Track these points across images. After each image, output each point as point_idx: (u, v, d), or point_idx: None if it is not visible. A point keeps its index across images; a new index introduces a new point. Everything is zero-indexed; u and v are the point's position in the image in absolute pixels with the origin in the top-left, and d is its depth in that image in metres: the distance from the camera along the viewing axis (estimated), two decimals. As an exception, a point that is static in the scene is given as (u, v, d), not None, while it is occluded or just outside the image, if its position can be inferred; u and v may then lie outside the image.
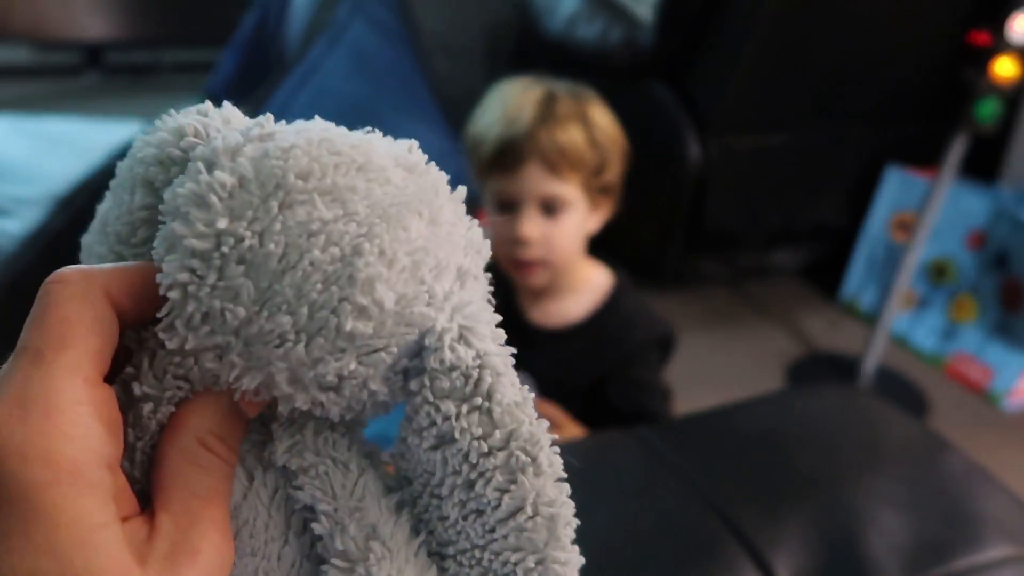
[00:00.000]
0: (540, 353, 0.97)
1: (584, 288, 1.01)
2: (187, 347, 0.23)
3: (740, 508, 0.57)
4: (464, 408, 0.23)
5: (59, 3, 3.07)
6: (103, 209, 0.27)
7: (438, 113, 2.44)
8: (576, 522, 0.24)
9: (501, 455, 0.23)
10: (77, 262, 0.29)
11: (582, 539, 0.65)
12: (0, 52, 3.18)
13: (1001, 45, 1.34)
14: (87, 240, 0.28)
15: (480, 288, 0.26)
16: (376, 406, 0.25)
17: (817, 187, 1.98)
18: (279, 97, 2.38)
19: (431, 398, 0.23)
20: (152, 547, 0.22)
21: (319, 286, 0.22)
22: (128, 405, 0.24)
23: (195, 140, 0.25)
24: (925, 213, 1.56)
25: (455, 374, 0.23)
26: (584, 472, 0.67)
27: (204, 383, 0.24)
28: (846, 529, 0.56)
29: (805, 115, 1.84)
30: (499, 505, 0.23)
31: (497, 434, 0.23)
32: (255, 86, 2.49)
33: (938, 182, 1.52)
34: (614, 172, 0.96)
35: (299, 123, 0.25)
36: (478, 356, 0.23)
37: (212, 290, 0.22)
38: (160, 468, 0.24)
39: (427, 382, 0.23)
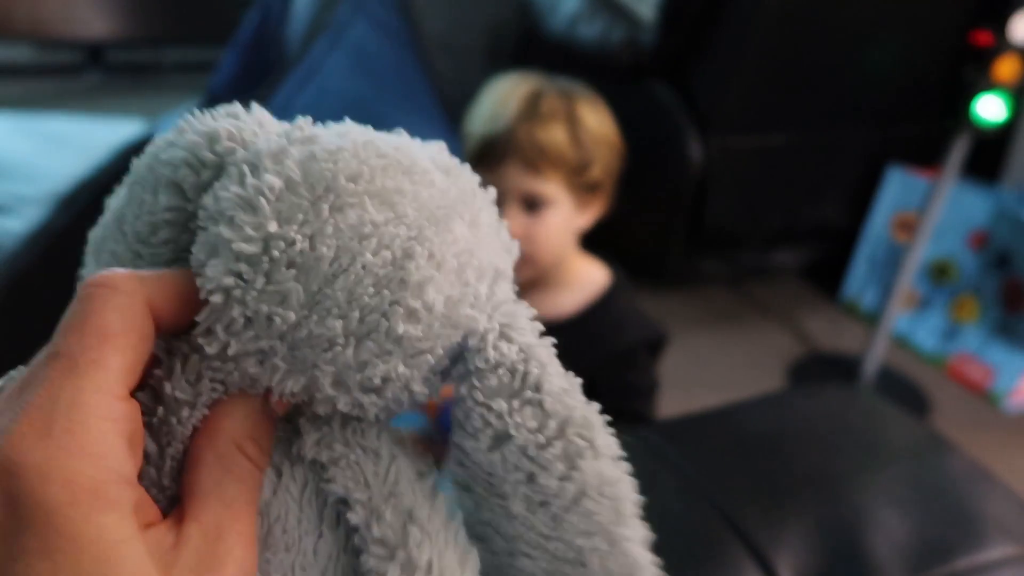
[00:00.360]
0: None
1: (576, 284, 1.00)
2: (229, 352, 0.22)
3: (742, 508, 0.57)
4: (515, 403, 0.23)
5: (60, 2, 3.08)
6: (116, 206, 0.27)
7: (440, 113, 2.44)
8: (639, 498, 0.24)
9: (559, 444, 0.23)
10: (80, 261, 0.29)
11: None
12: (1, 51, 3.18)
13: (1003, 45, 1.34)
14: (96, 235, 0.27)
15: (510, 287, 0.26)
16: (412, 406, 0.25)
17: (818, 187, 1.98)
18: (280, 96, 2.38)
19: (481, 399, 0.23)
20: (178, 557, 0.22)
21: (371, 289, 0.22)
22: (157, 409, 0.23)
23: (231, 144, 0.24)
24: (927, 213, 1.55)
25: (501, 371, 0.23)
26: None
27: (241, 385, 0.23)
28: (848, 529, 0.56)
29: (806, 115, 1.84)
30: (562, 492, 0.23)
31: (552, 424, 0.23)
32: (256, 85, 2.49)
33: (940, 182, 1.52)
34: (600, 171, 0.95)
35: (337, 126, 0.25)
36: (522, 350, 0.23)
37: (259, 294, 0.22)
38: (193, 473, 0.23)
39: (476, 383, 0.23)
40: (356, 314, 0.22)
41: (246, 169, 0.23)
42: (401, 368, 0.23)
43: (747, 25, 1.61)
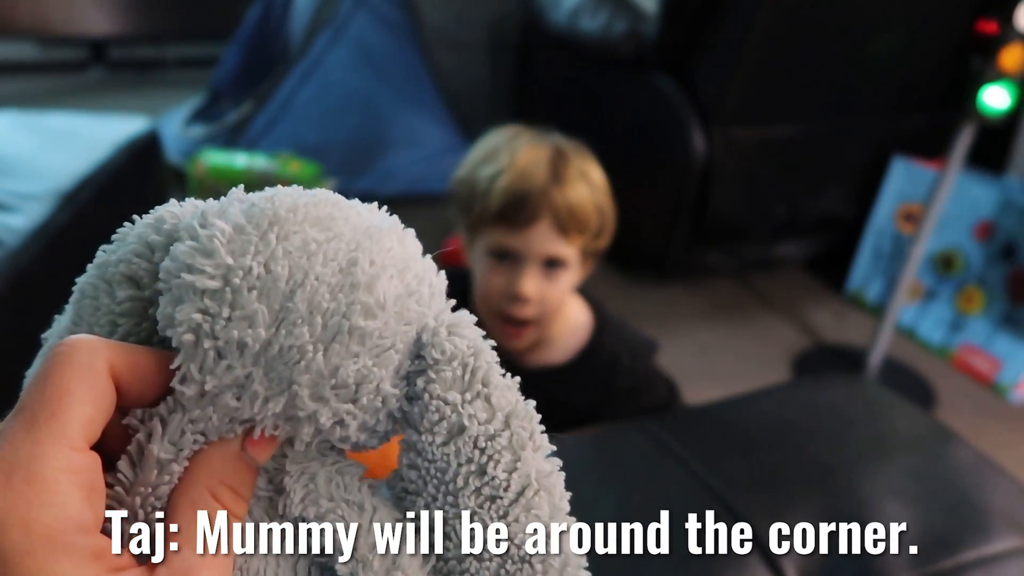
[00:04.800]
0: (539, 396, 0.94)
1: (566, 331, 0.99)
2: (207, 388, 0.24)
3: (746, 500, 0.57)
4: (468, 396, 0.26)
5: (63, 0, 3.08)
6: (60, 328, 0.28)
7: (442, 107, 2.44)
8: (569, 494, 0.26)
9: (505, 435, 0.26)
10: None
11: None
12: (6, 48, 3.18)
13: (1008, 34, 1.33)
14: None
15: (447, 307, 0.28)
16: (387, 422, 0.27)
17: (823, 178, 1.97)
18: (283, 91, 2.38)
19: (438, 391, 0.26)
20: None
21: (327, 296, 0.24)
22: (145, 475, 0.24)
23: (175, 221, 0.27)
24: (932, 204, 1.55)
25: (455, 363, 0.26)
26: (590, 463, 0.67)
27: (220, 432, 0.25)
28: (853, 522, 0.56)
29: (810, 106, 1.83)
30: (509, 485, 0.25)
31: (499, 416, 0.26)
32: (259, 80, 2.49)
33: (945, 172, 1.51)
34: (607, 238, 0.95)
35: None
36: (471, 346, 0.26)
37: (227, 322, 0.24)
38: (167, 521, 0.24)
39: (432, 375, 0.26)
40: (319, 320, 0.24)
41: (195, 224, 0.25)
42: (370, 364, 0.25)
43: (749, 16, 1.60)
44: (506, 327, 0.91)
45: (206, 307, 0.24)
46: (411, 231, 0.28)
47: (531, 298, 0.89)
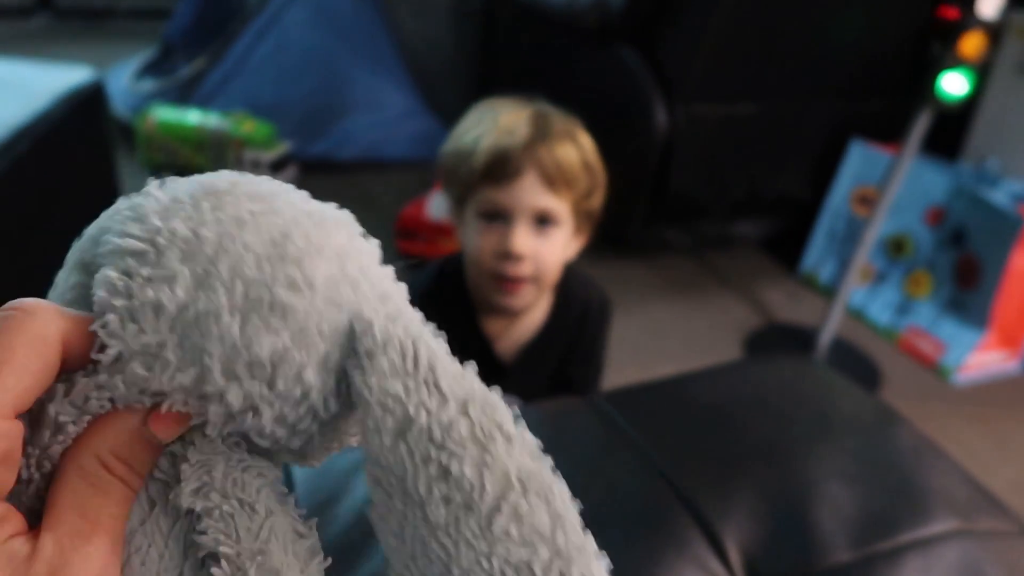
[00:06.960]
0: (516, 375, 0.97)
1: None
2: (110, 352, 0.23)
3: (691, 479, 0.57)
4: (411, 383, 0.23)
5: (7, -60, 2.94)
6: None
7: (403, 71, 2.39)
8: (577, 502, 0.22)
9: (463, 424, 0.22)
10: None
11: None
12: (-56, -10, 3.04)
13: (969, 20, 1.34)
14: None
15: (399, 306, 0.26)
16: (310, 420, 0.24)
17: (782, 158, 1.98)
18: (239, 48, 2.31)
19: (375, 383, 0.23)
20: (31, 569, 0.22)
21: (253, 264, 0.23)
22: (40, 434, 0.23)
23: None
24: (886, 188, 1.56)
25: (391, 350, 0.23)
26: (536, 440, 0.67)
27: (128, 402, 0.23)
28: (795, 501, 0.56)
29: (773, 85, 1.83)
30: (484, 486, 0.21)
31: (452, 404, 0.22)
32: (214, 35, 2.41)
33: (900, 157, 1.52)
34: (599, 199, 0.96)
35: None
36: (408, 332, 0.23)
37: (146, 281, 0.22)
38: (55, 486, 0.23)
39: (367, 365, 0.23)
40: (240, 287, 0.23)
41: (135, 195, 0.25)
42: (288, 342, 0.23)
43: (717, -9, 1.59)
44: (503, 285, 0.91)
45: (127, 267, 0.23)
46: (377, 243, 0.26)
47: (524, 254, 0.89)
